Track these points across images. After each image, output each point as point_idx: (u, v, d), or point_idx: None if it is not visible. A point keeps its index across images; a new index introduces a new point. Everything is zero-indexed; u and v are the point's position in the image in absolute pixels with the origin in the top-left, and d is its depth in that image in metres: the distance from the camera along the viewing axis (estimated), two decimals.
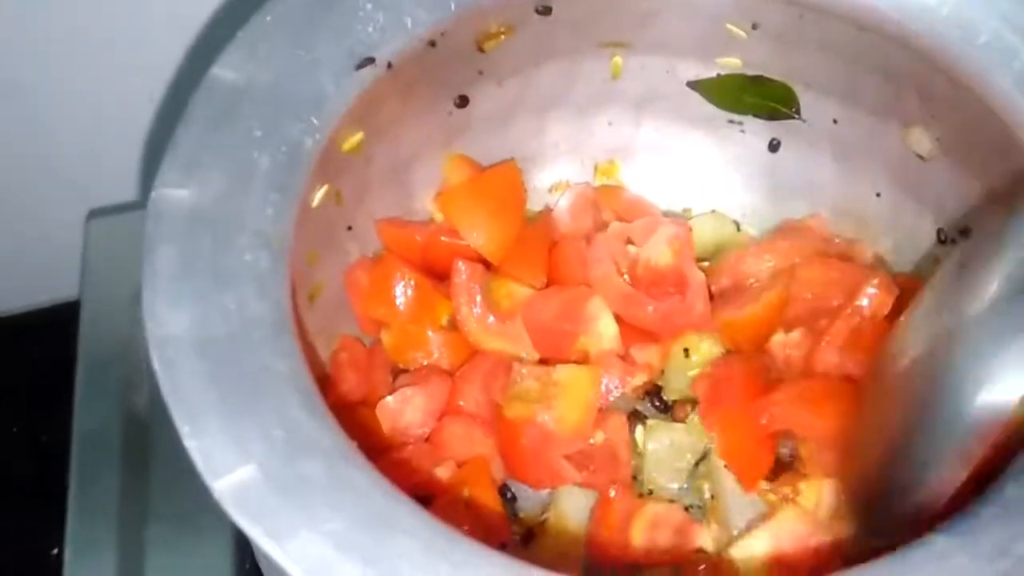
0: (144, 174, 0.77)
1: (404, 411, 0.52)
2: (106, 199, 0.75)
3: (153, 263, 0.37)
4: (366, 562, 0.31)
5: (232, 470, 0.32)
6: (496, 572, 0.32)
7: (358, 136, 0.51)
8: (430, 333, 0.55)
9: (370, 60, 0.47)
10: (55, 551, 0.72)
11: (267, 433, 0.34)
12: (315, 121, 0.44)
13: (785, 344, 0.55)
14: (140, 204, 0.75)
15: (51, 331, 0.74)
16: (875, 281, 0.53)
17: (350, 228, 0.56)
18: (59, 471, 0.64)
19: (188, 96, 0.43)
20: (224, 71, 0.43)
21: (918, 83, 0.51)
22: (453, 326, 0.56)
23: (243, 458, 0.33)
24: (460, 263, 0.55)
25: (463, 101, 0.58)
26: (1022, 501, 0.35)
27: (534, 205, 0.64)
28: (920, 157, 0.55)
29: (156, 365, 0.34)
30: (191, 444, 0.33)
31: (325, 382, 0.51)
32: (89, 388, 0.67)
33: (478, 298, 0.54)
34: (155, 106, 0.72)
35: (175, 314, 0.36)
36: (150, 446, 0.65)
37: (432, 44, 0.50)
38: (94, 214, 0.72)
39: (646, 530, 0.50)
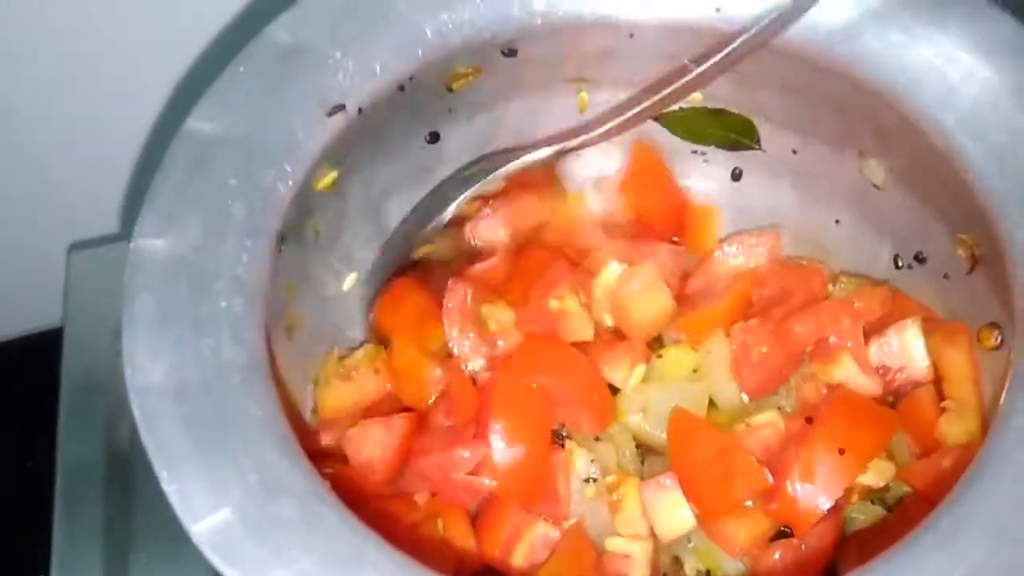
0: (126, 208, 0.78)
1: (364, 444, 0.52)
2: (88, 231, 0.76)
3: (132, 312, 0.39)
4: None
5: (209, 513, 0.34)
6: None
7: (332, 175, 0.53)
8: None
9: (340, 107, 0.48)
10: None
11: (242, 477, 0.35)
12: (288, 168, 0.46)
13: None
14: (122, 236, 0.76)
15: (37, 357, 0.75)
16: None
17: (327, 261, 0.58)
18: (45, 497, 0.65)
19: (171, 133, 0.45)
20: (199, 123, 0.45)
21: (871, 118, 0.54)
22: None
23: (219, 502, 0.34)
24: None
25: (434, 137, 0.60)
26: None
27: None
28: (875, 186, 0.57)
29: (136, 413, 0.36)
30: (170, 489, 0.34)
31: (300, 421, 0.52)
32: (73, 417, 0.68)
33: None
34: (140, 141, 0.73)
35: (154, 362, 0.38)
36: (133, 474, 0.66)
37: (401, 88, 0.52)
38: (76, 246, 0.73)
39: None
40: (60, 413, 0.68)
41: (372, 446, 0.51)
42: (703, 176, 0.64)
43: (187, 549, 0.61)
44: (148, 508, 0.64)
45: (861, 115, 0.54)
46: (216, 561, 0.33)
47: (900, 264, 0.58)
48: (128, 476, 0.66)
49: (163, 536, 0.63)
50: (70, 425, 0.68)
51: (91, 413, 0.68)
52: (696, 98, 0.60)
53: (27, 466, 0.81)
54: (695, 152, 0.63)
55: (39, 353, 0.73)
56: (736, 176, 0.63)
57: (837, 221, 0.61)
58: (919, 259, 0.57)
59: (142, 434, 0.35)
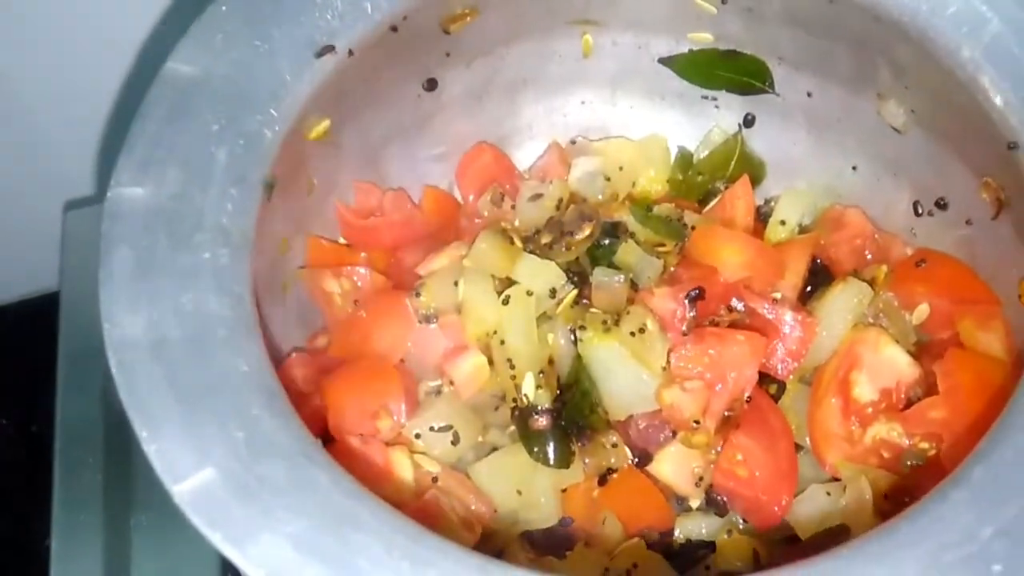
0: (107, 164, 0.76)
1: None
2: (84, 191, 0.74)
3: (110, 265, 0.37)
4: (326, 563, 0.31)
5: (191, 474, 0.32)
6: (458, 569, 0.32)
7: (324, 123, 0.51)
8: None
9: (330, 48, 0.46)
10: (47, 541, 0.73)
11: (227, 435, 0.34)
12: (274, 112, 0.44)
13: None
14: None
15: (38, 321, 0.73)
16: None
17: (323, 215, 0.56)
18: (50, 460, 0.64)
19: (140, 88, 0.42)
20: (179, 64, 0.42)
21: (890, 55, 0.51)
22: None
23: (202, 461, 0.33)
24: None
25: (431, 84, 0.57)
26: (989, 484, 0.35)
27: None
28: (895, 130, 0.54)
29: (113, 370, 0.34)
30: (150, 448, 0.33)
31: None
32: (71, 380, 0.67)
33: None
34: (127, 96, 0.71)
35: (133, 316, 0.36)
36: (133, 435, 0.65)
37: (394, 29, 0.49)
38: (71, 205, 0.72)
39: None
40: (58, 376, 0.67)
41: None
42: (714, 122, 0.61)
43: None
44: (148, 469, 0.63)
45: (880, 51, 0.51)
46: (198, 523, 0.31)
47: (920, 211, 0.55)
48: (128, 438, 0.65)
49: (164, 498, 0.62)
50: (69, 388, 0.67)
51: (89, 375, 0.67)
52: (706, 39, 0.57)
53: (31, 430, 0.80)
54: (705, 97, 0.61)
55: (42, 316, 0.72)
56: (748, 122, 0.61)
57: (854, 167, 0.58)
58: (940, 205, 0.54)
59: (120, 392, 0.34)
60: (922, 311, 0.52)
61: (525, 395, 0.50)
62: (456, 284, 0.51)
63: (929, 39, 0.47)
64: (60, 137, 0.73)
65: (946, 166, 0.52)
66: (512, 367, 0.51)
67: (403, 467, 0.48)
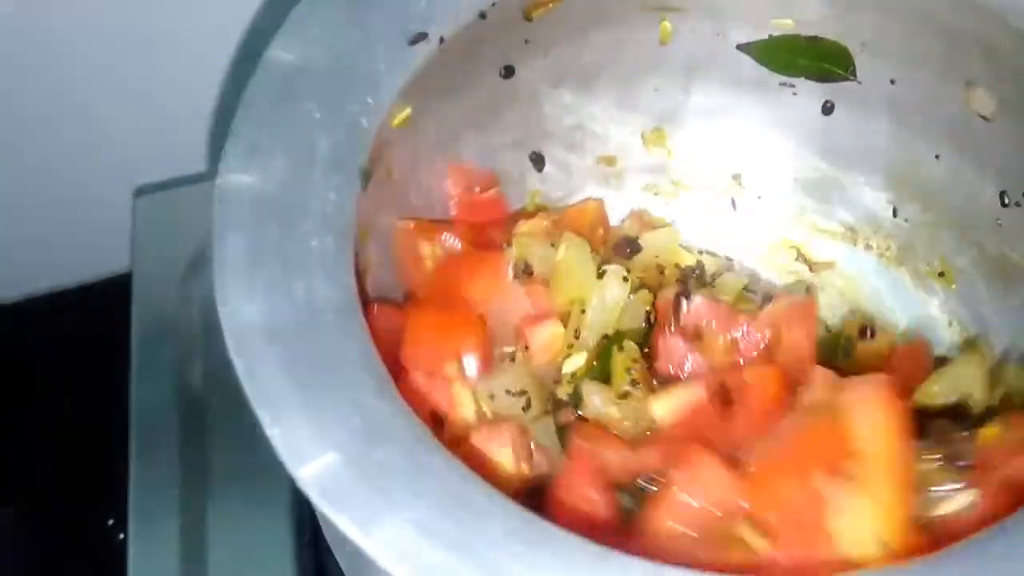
0: (211, 149, 0.77)
1: None
2: (153, 176, 0.75)
3: (223, 252, 0.37)
4: (448, 545, 0.32)
5: (315, 458, 0.33)
6: (574, 553, 0.33)
7: (406, 111, 0.51)
8: None
9: (423, 35, 0.46)
10: (111, 522, 0.74)
11: (345, 420, 0.34)
12: (370, 100, 0.44)
13: None
14: (185, 180, 0.75)
15: (106, 305, 0.75)
16: None
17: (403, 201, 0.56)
18: (118, 443, 0.65)
19: (233, 79, 0.43)
20: (280, 52, 0.43)
21: (982, 43, 0.50)
22: None
23: (324, 446, 0.33)
24: None
25: (508, 71, 0.57)
26: None
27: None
28: (983, 118, 0.53)
29: (233, 355, 0.35)
30: (273, 432, 0.33)
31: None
32: (145, 363, 0.68)
33: None
34: (216, 81, 0.72)
35: (248, 304, 0.36)
36: (208, 418, 0.66)
37: (483, 16, 0.49)
38: (141, 191, 0.73)
39: None
40: (132, 359, 0.68)
41: None
42: (792, 109, 0.61)
43: (264, 494, 0.62)
44: (224, 452, 0.64)
45: (971, 38, 0.50)
46: (324, 507, 0.32)
47: (1007, 201, 0.55)
48: (202, 420, 0.66)
49: (240, 481, 0.63)
50: (142, 371, 0.68)
51: (162, 358, 0.68)
52: (787, 24, 0.57)
53: (99, 414, 0.81)
54: (783, 84, 0.60)
55: (109, 300, 0.73)
56: (828, 109, 0.60)
57: (937, 156, 0.58)
58: None
59: (241, 377, 0.34)
60: None
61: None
62: (553, 246, 0.52)
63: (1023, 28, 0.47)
64: (132, 123, 0.74)
65: None
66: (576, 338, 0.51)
67: (465, 405, 0.48)
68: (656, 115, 0.63)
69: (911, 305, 0.62)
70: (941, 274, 0.60)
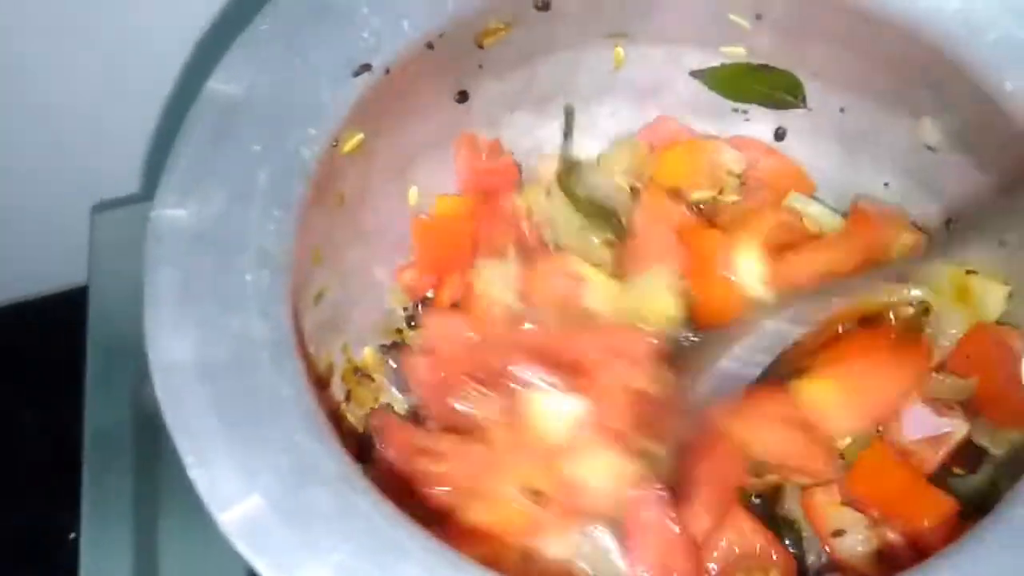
0: (148, 168, 0.77)
1: None
2: (111, 192, 0.75)
3: (155, 287, 0.37)
4: None
5: (238, 501, 0.33)
6: None
7: (358, 137, 0.51)
8: None
9: (367, 67, 0.46)
10: (72, 535, 0.74)
11: (273, 461, 0.34)
12: (313, 132, 0.44)
13: None
14: (144, 197, 0.75)
15: (63, 315, 0.74)
16: None
17: (354, 225, 0.56)
18: (74, 455, 0.65)
19: (192, 91, 0.43)
20: (221, 84, 0.42)
21: (927, 75, 0.50)
22: None
23: (248, 488, 0.33)
24: None
25: (463, 96, 0.57)
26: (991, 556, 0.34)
27: None
28: (930, 148, 0.54)
29: (159, 394, 0.35)
30: (195, 475, 0.33)
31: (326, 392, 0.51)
32: (100, 379, 0.68)
33: None
34: (161, 100, 0.72)
35: (177, 340, 0.36)
36: (162, 435, 0.66)
37: (430, 46, 0.49)
38: (99, 207, 0.72)
39: None
40: (87, 375, 0.67)
41: None
42: (745, 135, 0.61)
43: None
44: (177, 471, 0.64)
45: (917, 71, 0.51)
46: (245, 551, 0.32)
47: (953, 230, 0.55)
48: (157, 438, 0.65)
49: (193, 499, 0.62)
50: (97, 387, 0.67)
51: (118, 375, 0.67)
52: (739, 53, 0.57)
53: (56, 424, 0.81)
54: (736, 110, 0.61)
55: (67, 310, 0.72)
56: (780, 136, 0.60)
57: (886, 184, 0.58)
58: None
59: (166, 417, 0.34)
60: None
61: None
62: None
63: (968, 62, 0.47)
64: (89, 139, 0.74)
65: (981, 186, 0.52)
66: None
67: None
68: (612, 139, 0.64)
69: None
70: None
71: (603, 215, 0.59)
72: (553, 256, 0.57)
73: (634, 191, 0.60)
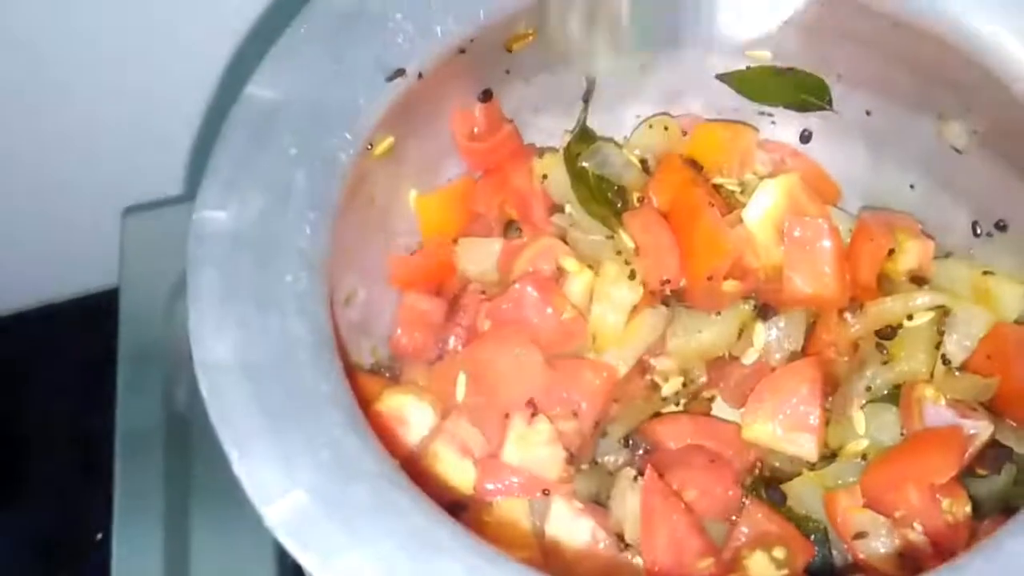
0: (189, 171, 0.78)
1: None
2: (142, 196, 0.76)
3: (197, 287, 0.38)
4: None
5: (281, 496, 0.33)
6: None
7: (389, 140, 0.52)
8: None
9: (401, 72, 0.47)
10: (99, 536, 0.75)
11: (314, 456, 0.35)
12: (348, 136, 0.45)
13: None
14: (176, 200, 0.76)
15: (94, 318, 0.75)
16: None
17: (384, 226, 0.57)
18: (103, 458, 0.66)
19: (229, 97, 0.43)
20: (259, 89, 0.43)
21: (954, 77, 0.51)
22: None
23: (291, 483, 0.34)
24: None
25: (486, 95, 0.57)
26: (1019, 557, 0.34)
27: None
28: (956, 150, 0.54)
29: (204, 392, 0.35)
30: (240, 470, 0.34)
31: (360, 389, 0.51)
32: (131, 381, 0.69)
33: None
34: (200, 106, 0.73)
35: (220, 339, 0.37)
36: (192, 435, 0.67)
37: (462, 51, 0.50)
38: (130, 210, 0.73)
39: None
40: (118, 377, 0.68)
41: None
42: (770, 138, 0.62)
43: (247, 513, 0.63)
44: (207, 470, 0.65)
45: (942, 73, 0.51)
46: (290, 545, 0.32)
47: (979, 231, 0.55)
48: (187, 438, 0.66)
49: (223, 499, 0.63)
50: (128, 389, 0.68)
51: (149, 377, 0.68)
52: (764, 56, 0.58)
53: (87, 426, 0.82)
54: (762, 113, 0.61)
55: (98, 313, 0.73)
56: (805, 138, 0.61)
57: (912, 186, 0.58)
58: (1000, 227, 0.54)
59: (210, 413, 0.35)
60: None
61: None
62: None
63: (992, 63, 0.48)
64: (122, 142, 0.75)
65: (1007, 188, 0.52)
66: None
67: None
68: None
69: None
70: None
71: (602, 189, 0.59)
72: (541, 241, 0.57)
73: (645, 166, 0.60)
